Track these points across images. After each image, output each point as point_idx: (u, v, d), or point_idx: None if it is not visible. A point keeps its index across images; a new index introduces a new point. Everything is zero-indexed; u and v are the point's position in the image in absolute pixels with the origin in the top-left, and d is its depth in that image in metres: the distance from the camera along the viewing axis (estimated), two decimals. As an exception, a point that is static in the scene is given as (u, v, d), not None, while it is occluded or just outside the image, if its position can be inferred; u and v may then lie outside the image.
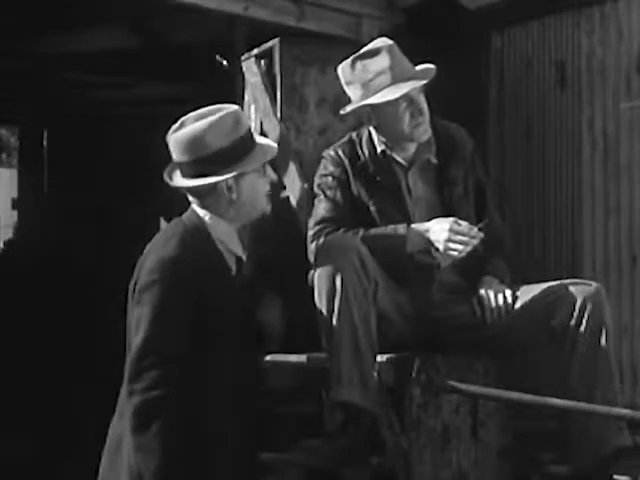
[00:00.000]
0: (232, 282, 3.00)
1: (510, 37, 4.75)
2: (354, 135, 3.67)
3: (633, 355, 4.28)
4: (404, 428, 3.34)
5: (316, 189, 3.60)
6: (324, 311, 3.25)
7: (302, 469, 3.65)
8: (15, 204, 8.83)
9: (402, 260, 3.41)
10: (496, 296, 3.44)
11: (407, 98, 3.49)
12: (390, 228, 3.43)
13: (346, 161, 3.58)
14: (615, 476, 3.29)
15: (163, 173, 3.03)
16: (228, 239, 3.01)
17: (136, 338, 2.82)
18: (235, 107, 2.99)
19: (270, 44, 4.14)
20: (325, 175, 3.59)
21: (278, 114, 4.07)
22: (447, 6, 4.66)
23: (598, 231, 4.41)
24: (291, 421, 4.28)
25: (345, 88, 3.60)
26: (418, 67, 3.56)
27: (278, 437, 3.84)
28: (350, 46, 3.77)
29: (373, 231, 3.44)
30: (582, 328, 3.34)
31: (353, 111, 3.59)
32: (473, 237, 3.33)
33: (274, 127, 4.05)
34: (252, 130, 3.06)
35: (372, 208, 3.53)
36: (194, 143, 2.92)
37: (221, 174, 2.92)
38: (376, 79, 3.49)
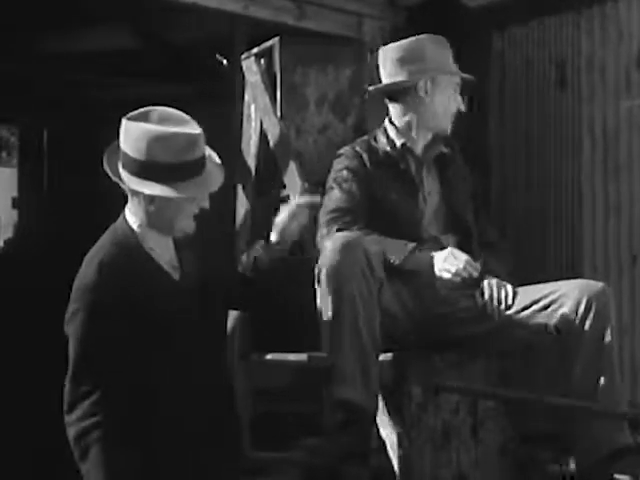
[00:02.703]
0: (173, 288, 2.92)
1: (510, 37, 4.75)
2: (367, 136, 3.75)
3: (633, 355, 4.28)
4: (404, 427, 3.34)
5: (331, 183, 3.61)
6: (329, 309, 3.24)
7: (302, 468, 3.65)
8: (15, 203, 8.81)
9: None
10: (498, 288, 3.45)
11: (457, 89, 3.67)
12: (401, 243, 3.44)
13: (365, 155, 3.63)
14: (616, 475, 3.29)
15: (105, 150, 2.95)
16: (159, 248, 2.93)
17: (69, 370, 2.81)
18: (198, 130, 2.89)
19: (270, 43, 4.13)
20: (340, 170, 3.61)
21: (278, 113, 4.07)
22: (448, 5, 4.66)
23: (598, 231, 4.41)
24: (291, 420, 4.28)
25: (388, 67, 3.68)
26: None
27: (278, 436, 3.84)
28: (350, 46, 3.77)
29: (387, 240, 3.45)
30: (587, 327, 3.34)
31: (373, 96, 3.76)
32: (471, 267, 3.36)
33: (274, 126, 4.05)
34: (205, 158, 2.93)
35: (388, 201, 3.56)
36: (144, 144, 2.83)
37: (149, 187, 2.84)
38: (449, 60, 3.66)
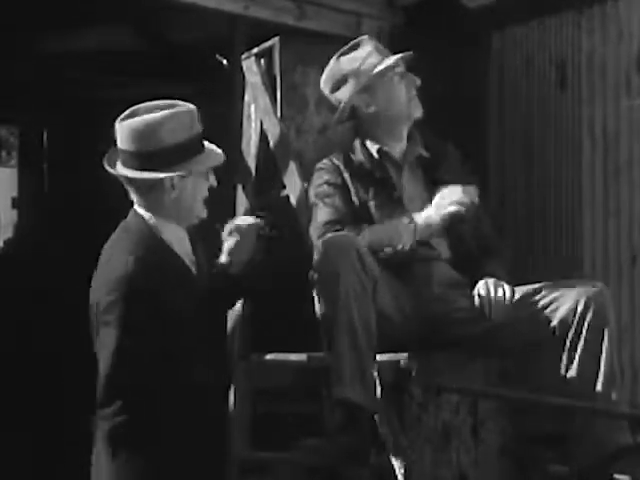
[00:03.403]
0: (194, 283, 2.93)
1: (510, 37, 4.75)
2: (345, 148, 3.73)
3: (633, 355, 4.28)
4: (404, 427, 3.34)
5: (313, 199, 3.62)
6: (324, 310, 3.25)
7: (302, 468, 3.65)
8: (15, 203, 8.81)
9: (406, 254, 3.41)
10: (495, 288, 3.45)
11: (399, 72, 3.60)
12: (394, 222, 3.43)
13: (341, 166, 3.62)
14: (615, 475, 3.30)
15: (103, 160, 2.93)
16: (176, 241, 2.93)
17: (103, 362, 2.78)
18: (191, 106, 2.91)
19: (270, 43, 4.13)
20: (320, 184, 3.61)
21: (278, 113, 4.08)
22: (447, 5, 4.66)
23: (598, 231, 4.41)
24: (291, 420, 4.28)
25: (333, 95, 3.70)
26: None
27: (278, 436, 3.84)
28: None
29: (378, 226, 3.45)
30: (585, 327, 3.34)
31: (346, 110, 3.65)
32: (470, 192, 3.35)
33: (274, 126, 4.05)
34: (201, 134, 2.95)
35: (371, 209, 3.55)
36: (145, 134, 2.83)
37: (170, 170, 2.84)
38: (365, 62, 3.59)
